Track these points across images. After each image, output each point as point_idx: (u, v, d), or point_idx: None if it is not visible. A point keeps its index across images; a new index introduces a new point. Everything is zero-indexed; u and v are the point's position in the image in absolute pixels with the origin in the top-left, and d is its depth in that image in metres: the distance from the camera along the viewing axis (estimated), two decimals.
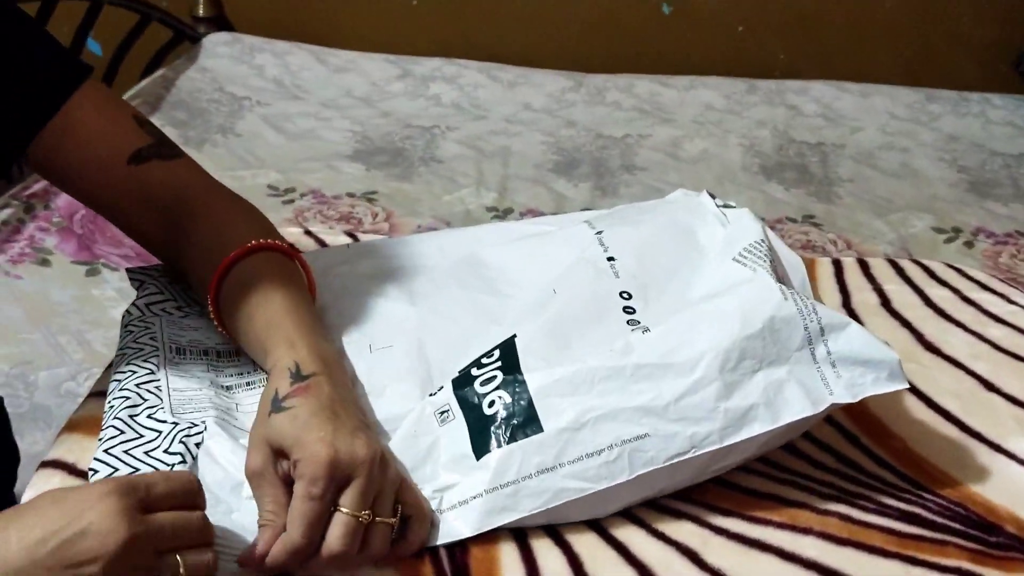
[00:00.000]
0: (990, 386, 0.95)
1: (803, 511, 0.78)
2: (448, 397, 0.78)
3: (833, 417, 0.89)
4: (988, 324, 1.03)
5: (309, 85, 2.36)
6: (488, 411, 0.76)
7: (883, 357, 0.77)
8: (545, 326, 0.81)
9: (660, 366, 0.75)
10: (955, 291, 1.09)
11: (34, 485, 0.77)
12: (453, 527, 0.73)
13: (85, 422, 0.83)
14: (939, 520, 0.79)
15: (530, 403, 0.75)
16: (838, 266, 1.13)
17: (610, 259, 0.87)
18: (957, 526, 0.78)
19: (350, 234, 1.20)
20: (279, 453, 0.70)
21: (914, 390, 0.94)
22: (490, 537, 0.74)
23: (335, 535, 0.68)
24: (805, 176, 2.09)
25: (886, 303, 1.07)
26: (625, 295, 0.84)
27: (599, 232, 0.90)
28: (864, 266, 1.13)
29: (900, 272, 1.12)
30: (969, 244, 1.86)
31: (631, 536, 0.75)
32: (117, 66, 2.37)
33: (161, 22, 2.45)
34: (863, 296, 1.08)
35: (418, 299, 0.88)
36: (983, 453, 0.87)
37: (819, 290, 1.09)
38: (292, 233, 1.17)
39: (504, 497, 0.73)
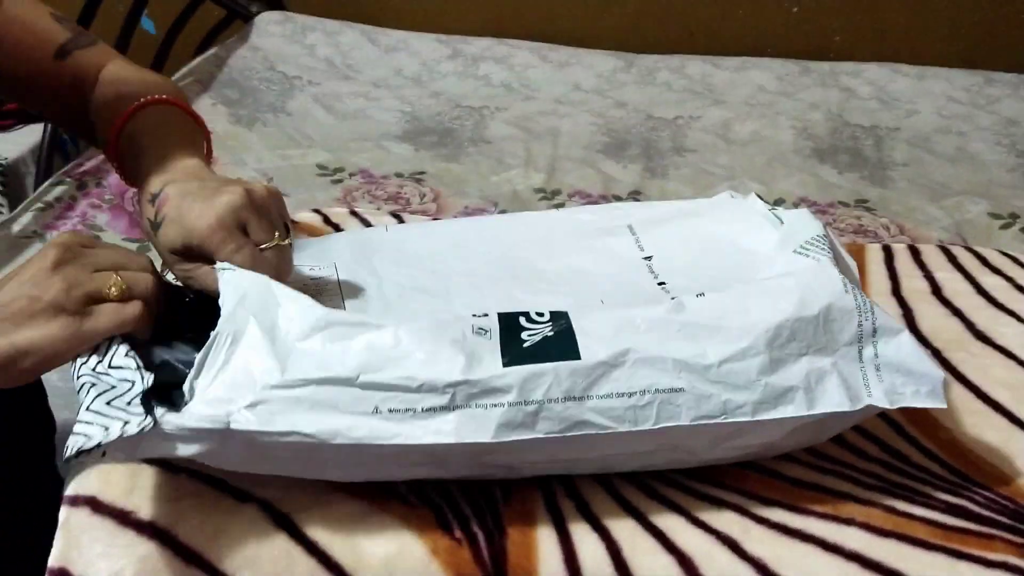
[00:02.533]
0: None
1: (846, 502, 0.77)
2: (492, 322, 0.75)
3: None
4: None
5: (360, 65, 2.36)
6: (525, 323, 0.74)
7: (928, 371, 0.75)
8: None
9: (709, 327, 0.74)
10: (1008, 279, 1.07)
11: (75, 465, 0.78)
12: (468, 430, 0.70)
13: None
14: (986, 513, 0.77)
15: (571, 334, 0.73)
16: (888, 252, 1.11)
17: (661, 284, 0.87)
18: (1005, 520, 0.77)
19: (395, 214, 1.20)
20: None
21: (964, 380, 0.92)
22: (527, 521, 0.74)
23: None
24: (858, 160, 2.06)
25: (936, 291, 1.05)
26: None
27: (648, 257, 0.90)
28: (915, 252, 1.12)
29: (952, 259, 1.10)
30: None
31: (671, 524, 0.75)
32: (170, 44, 2.39)
33: (214, 1, 2.46)
34: (913, 283, 1.06)
35: (455, 299, 0.86)
36: None
37: (868, 275, 1.07)
38: (338, 213, 1.17)
39: (524, 414, 0.71)
